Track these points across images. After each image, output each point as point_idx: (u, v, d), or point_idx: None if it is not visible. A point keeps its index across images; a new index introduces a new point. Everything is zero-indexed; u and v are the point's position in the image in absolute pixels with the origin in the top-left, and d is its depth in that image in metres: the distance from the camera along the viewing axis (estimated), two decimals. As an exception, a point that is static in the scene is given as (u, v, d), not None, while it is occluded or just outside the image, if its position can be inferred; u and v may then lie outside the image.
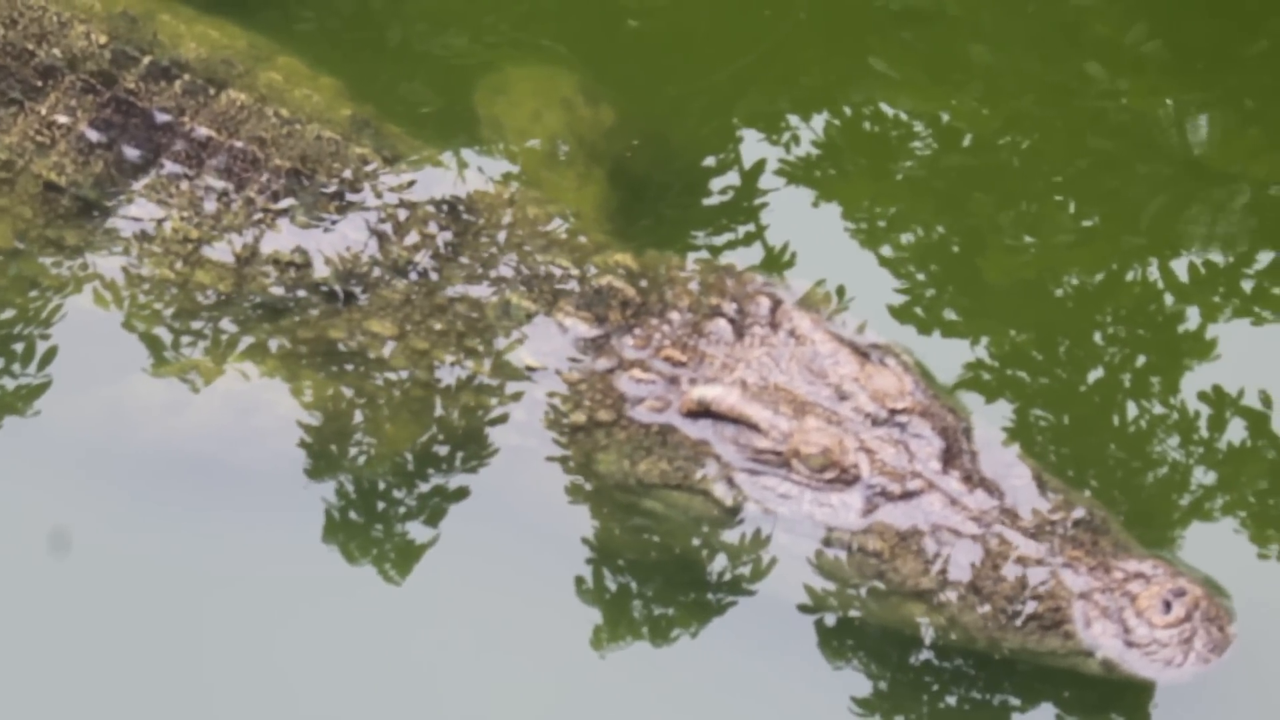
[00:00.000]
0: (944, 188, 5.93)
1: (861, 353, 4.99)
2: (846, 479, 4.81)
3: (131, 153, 5.15)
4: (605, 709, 4.95)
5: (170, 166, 5.15)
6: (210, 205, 5.12)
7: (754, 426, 4.86)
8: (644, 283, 5.12)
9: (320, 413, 5.03)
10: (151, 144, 5.17)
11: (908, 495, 4.78)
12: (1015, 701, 4.91)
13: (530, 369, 5.02)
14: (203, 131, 5.17)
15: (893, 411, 4.88)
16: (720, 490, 4.88)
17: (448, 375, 5.03)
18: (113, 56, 5.27)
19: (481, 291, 5.07)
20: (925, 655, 4.90)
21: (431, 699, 4.96)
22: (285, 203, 5.15)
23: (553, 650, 4.99)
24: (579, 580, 5.04)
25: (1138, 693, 4.80)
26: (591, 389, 4.97)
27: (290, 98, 5.35)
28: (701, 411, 4.90)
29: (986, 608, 4.67)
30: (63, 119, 5.17)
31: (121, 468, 5.08)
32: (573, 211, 5.32)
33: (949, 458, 4.83)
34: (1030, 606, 4.66)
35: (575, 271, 5.09)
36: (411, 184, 5.23)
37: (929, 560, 4.72)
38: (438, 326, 5.05)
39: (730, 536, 4.92)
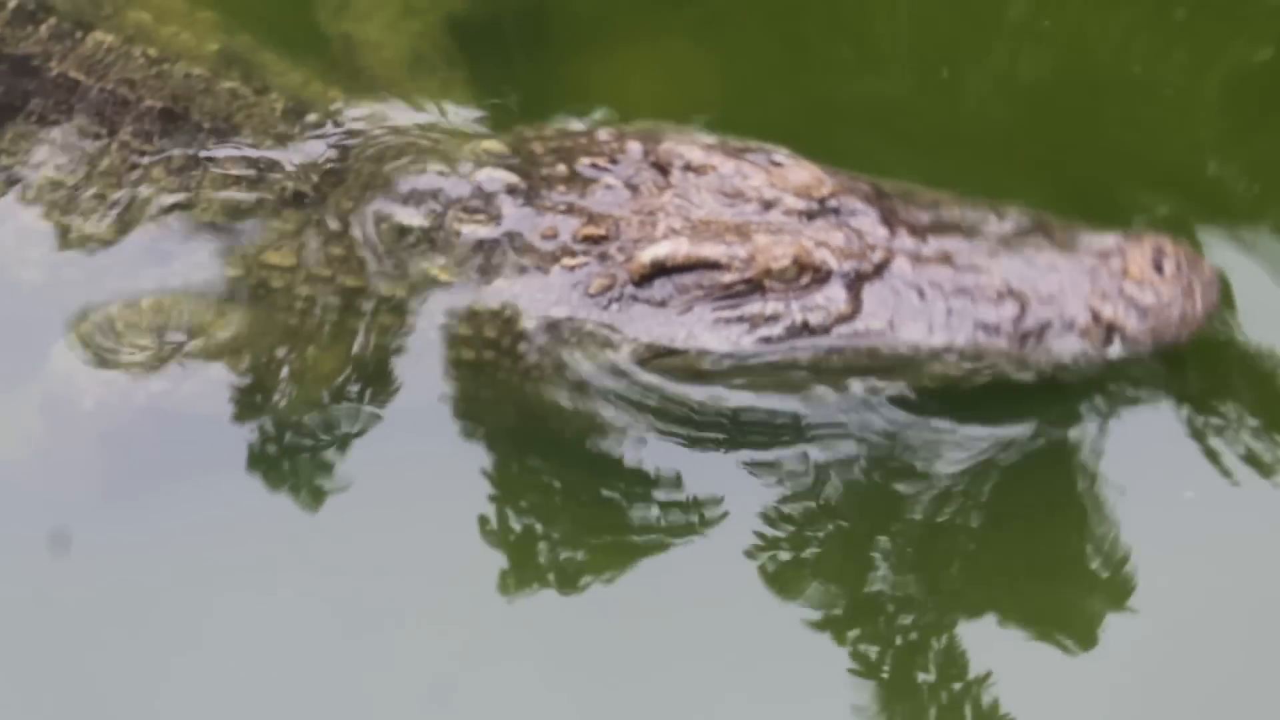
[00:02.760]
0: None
1: (751, 160, 4.97)
2: (820, 277, 4.80)
3: None
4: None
5: (39, 112, 5.00)
6: (84, 150, 4.96)
7: (714, 265, 4.79)
8: (517, 159, 5.02)
9: (242, 351, 4.92)
10: (19, 89, 5.01)
11: (878, 269, 4.82)
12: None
13: (445, 283, 4.89)
14: (70, 75, 5.00)
15: (820, 201, 4.89)
16: (714, 340, 4.83)
17: (360, 299, 4.90)
18: None
19: (375, 211, 4.94)
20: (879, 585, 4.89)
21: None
22: (160, 144, 4.97)
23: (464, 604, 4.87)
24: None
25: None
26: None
27: (159, 36, 5.18)
28: (655, 272, 4.80)
29: (999, 340, 4.80)
30: None
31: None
32: (441, 115, 5.26)
33: (889, 221, 4.86)
34: (1036, 318, 4.80)
35: (453, 173, 4.97)
36: (285, 113, 5.07)
37: (930, 318, 4.82)
38: (337, 252, 4.91)
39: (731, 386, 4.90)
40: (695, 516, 4.95)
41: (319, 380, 4.94)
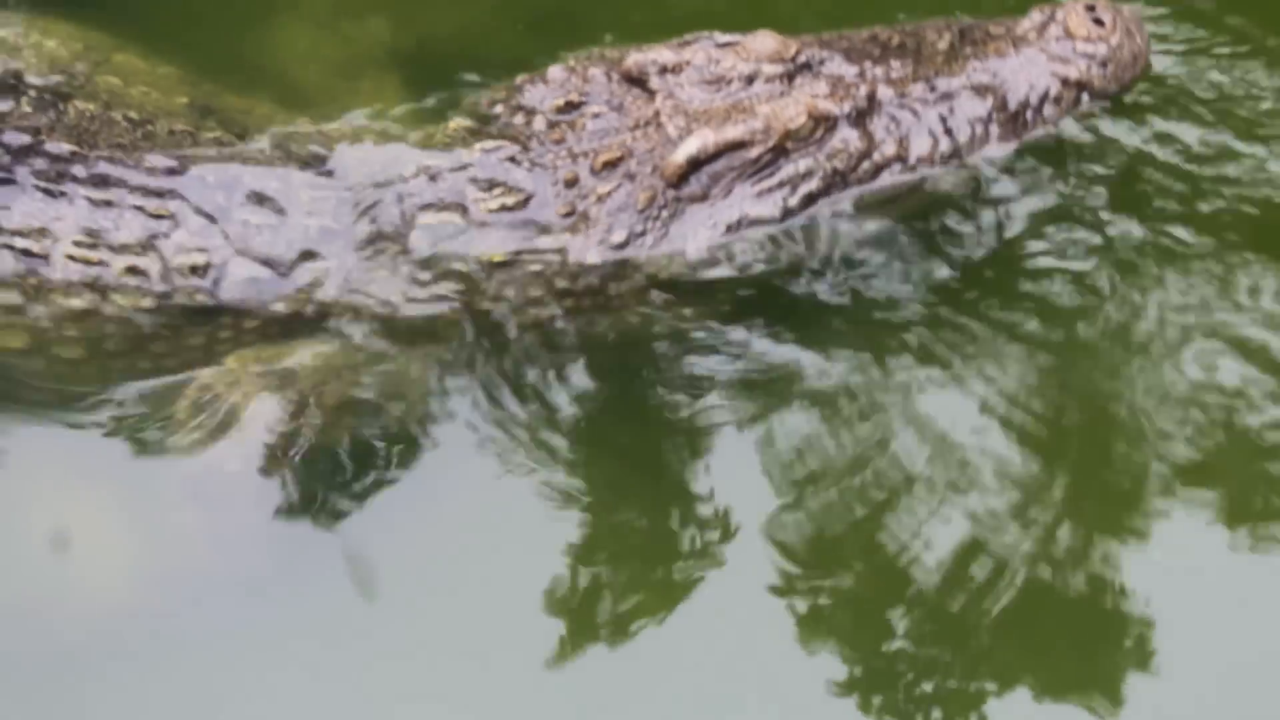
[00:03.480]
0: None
1: (704, 48, 5.16)
2: (830, 125, 5.05)
3: None
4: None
5: (44, 186, 4.81)
6: (97, 222, 4.78)
7: (739, 145, 4.97)
8: (493, 128, 5.10)
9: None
10: (19, 164, 4.81)
11: (870, 102, 5.10)
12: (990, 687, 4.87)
13: (501, 263, 4.95)
14: (64, 147, 4.82)
15: (793, 61, 5.12)
16: (765, 209, 5.00)
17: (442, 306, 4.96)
18: None
19: (404, 219, 4.93)
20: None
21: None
22: (173, 204, 4.82)
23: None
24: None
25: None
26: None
27: (132, 98, 5.07)
28: (689, 169, 4.94)
29: (994, 128, 5.17)
30: None
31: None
32: (393, 119, 5.28)
33: (853, 61, 5.15)
34: (1016, 99, 5.19)
35: (448, 166, 4.98)
36: (275, 151, 5.01)
37: (931, 129, 5.14)
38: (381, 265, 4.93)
39: (790, 252, 5.10)
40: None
41: (418, 384, 4.97)
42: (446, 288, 4.91)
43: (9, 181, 4.74)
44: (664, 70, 5.07)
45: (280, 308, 4.83)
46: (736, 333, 5.16)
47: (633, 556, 4.90)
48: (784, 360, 5.15)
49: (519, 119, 5.06)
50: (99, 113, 4.91)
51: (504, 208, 4.92)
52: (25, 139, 4.77)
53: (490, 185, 4.94)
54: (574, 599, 4.80)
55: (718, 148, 4.94)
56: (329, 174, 4.94)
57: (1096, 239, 5.39)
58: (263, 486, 4.73)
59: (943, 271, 5.31)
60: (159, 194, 4.79)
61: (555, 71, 5.15)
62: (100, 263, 4.73)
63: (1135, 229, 5.42)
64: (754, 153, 4.97)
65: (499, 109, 5.12)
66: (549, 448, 4.96)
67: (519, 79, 5.18)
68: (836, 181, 5.08)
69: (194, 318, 4.79)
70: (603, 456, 5.02)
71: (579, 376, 5.05)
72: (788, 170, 5.01)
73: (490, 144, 4.99)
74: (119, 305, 4.76)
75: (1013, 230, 5.36)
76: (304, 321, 4.85)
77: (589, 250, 4.93)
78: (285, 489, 4.76)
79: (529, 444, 4.97)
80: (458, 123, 5.09)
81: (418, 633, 4.71)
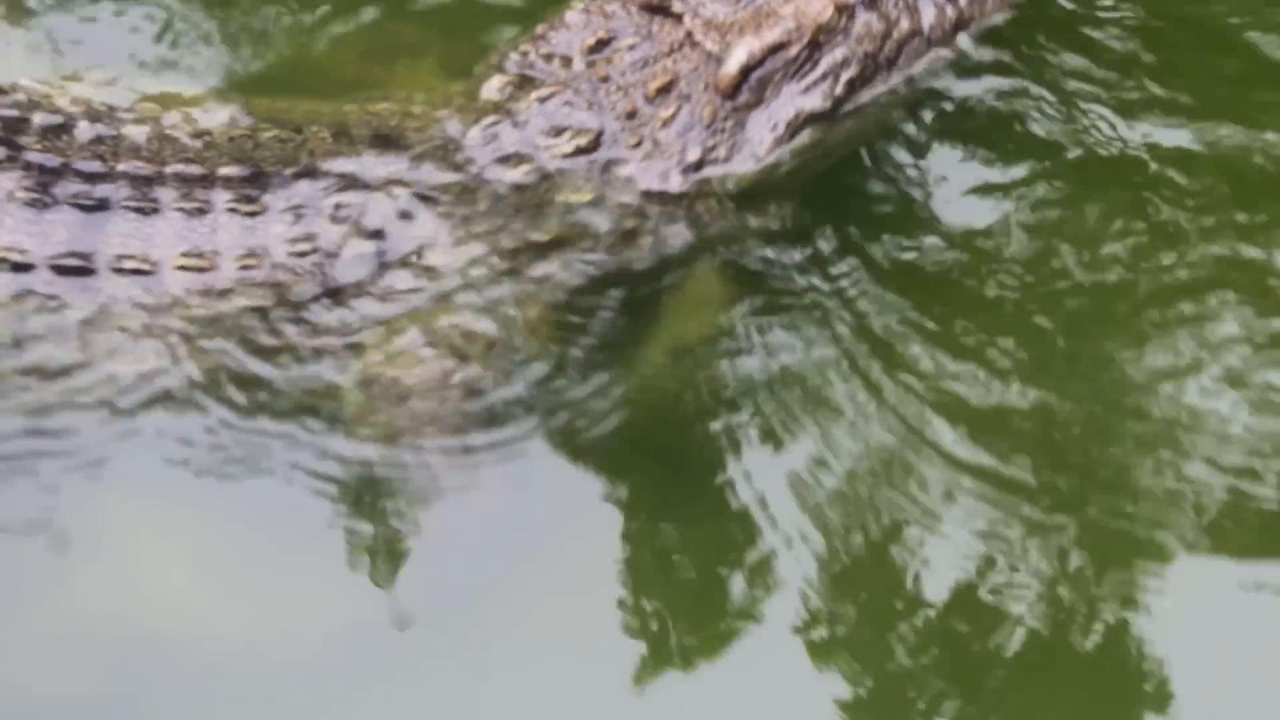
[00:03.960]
0: None
1: None
2: (850, 12, 5.25)
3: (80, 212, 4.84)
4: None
5: (130, 206, 4.85)
6: (195, 230, 4.84)
7: (779, 47, 5.15)
8: (536, 77, 5.20)
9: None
10: (99, 192, 4.85)
11: None
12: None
13: (586, 202, 5.11)
14: (140, 166, 4.88)
15: None
16: (815, 101, 5.22)
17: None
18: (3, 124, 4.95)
19: (478, 178, 5.05)
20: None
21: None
22: (266, 198, 4.91)
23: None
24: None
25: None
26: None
27: (175, 118, 5.08)
28: (740, 79, 5.11)
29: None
30: None
31: None
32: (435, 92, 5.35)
33: None
34: None
35: (511, 118, 5.10)
36: (336, 137, 5.08)
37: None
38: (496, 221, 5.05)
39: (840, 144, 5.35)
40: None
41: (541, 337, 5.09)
42: (541, 231, 5.06)
43: (102, 208, 4.80)
44: None
45: (392, 279, 4.95)
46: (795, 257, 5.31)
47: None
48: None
49: (556, 65, 5.17)
50: (156, 132, 4.98)
51: (578, 150, 5.07)
52: (98, 166, 4.84)
53: (558, 131, 5.08)
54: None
55: (764, 52, 5.12)
56: (395, 147, 5.06)
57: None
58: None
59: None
60: (247, 196, 4.89)
61: (573, 15, 5.24)
62: (212, 268, 4.82)
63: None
64: (793, 51, 5.15)
65: (534, 59, 5.22)
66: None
67: (539, 28, 5.27)
68: (869, 64, 5.28)
69: (316, 304, 4.89)
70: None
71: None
72: (826, 62, 5.20)
73: (544, 91, 5.11)
74: (239, 305, 4.85)
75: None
76: (418, 291, 4.97)
77: (670, 175, 5.09)
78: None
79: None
80: (499, 79, 5.19)
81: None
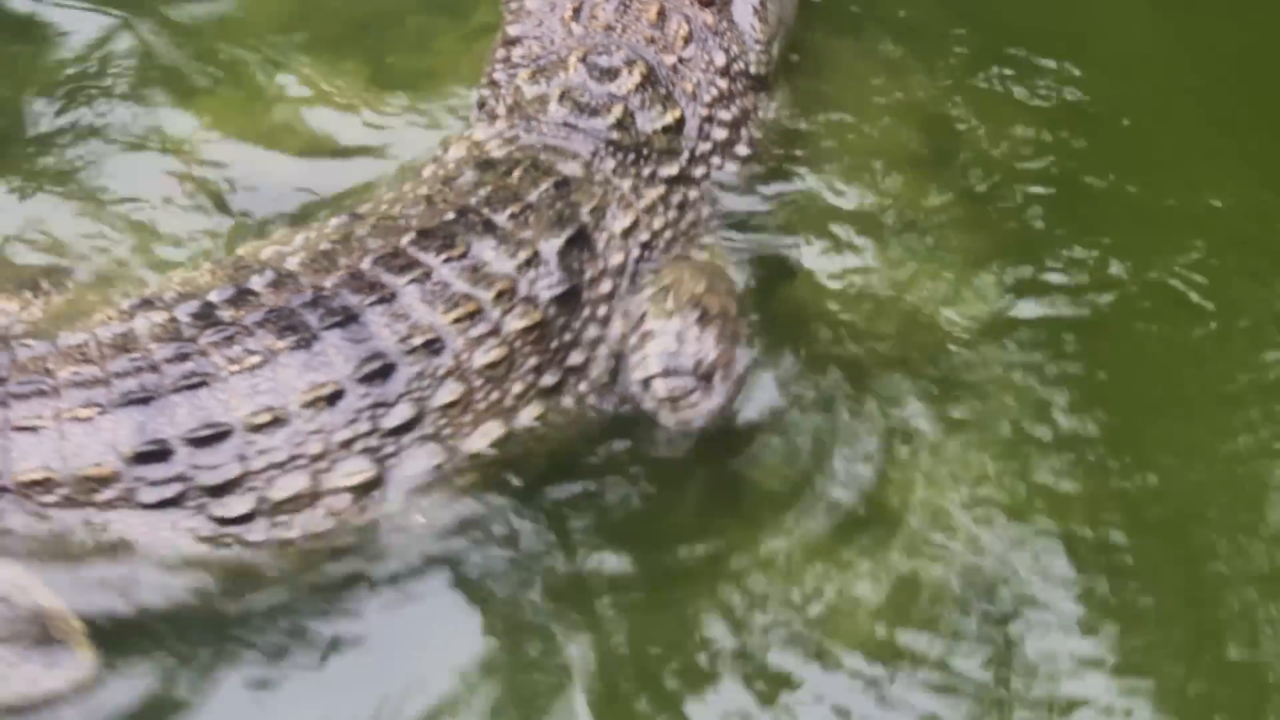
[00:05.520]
0: None
1: None
2: None
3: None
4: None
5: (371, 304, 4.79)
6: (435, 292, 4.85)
7: None
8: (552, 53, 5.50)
9: None
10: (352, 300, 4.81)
11: None
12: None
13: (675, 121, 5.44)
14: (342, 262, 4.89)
15: None
16: None
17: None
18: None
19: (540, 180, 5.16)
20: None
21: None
22: (460, 245, 4.95)
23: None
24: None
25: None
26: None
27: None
28: None
29: None
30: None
31: None
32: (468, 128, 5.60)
33: None
34: None
35: (562, 88, 5.38)
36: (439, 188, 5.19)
37: None
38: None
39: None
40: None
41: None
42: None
43: (352, 321, 4.73)
44: None
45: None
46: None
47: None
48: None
49: (557, 38, 5.48)
50: (324, 246, 5.00)
51: (643, 79, 5.37)
52: (308, 294, 4.76)
53: (613, 73, 5.35)
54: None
55: None
56: (485, 168, 5.17)
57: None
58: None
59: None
60: (442, 254, 4.89)
61: (530, 3, 5.57)
62: (479, 312, 4.87)
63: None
64: None
65: (532, 42, 5.52)
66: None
67: (507, 19, 5.55)
68: None
69: (562, 308, 5.04)
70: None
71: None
72: None
73: (578, 55, 5.38)
74: (513, 329, 4.92)
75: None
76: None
77: (714, 79, 5.50)
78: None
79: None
80: (524, 74, 5.40)
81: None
